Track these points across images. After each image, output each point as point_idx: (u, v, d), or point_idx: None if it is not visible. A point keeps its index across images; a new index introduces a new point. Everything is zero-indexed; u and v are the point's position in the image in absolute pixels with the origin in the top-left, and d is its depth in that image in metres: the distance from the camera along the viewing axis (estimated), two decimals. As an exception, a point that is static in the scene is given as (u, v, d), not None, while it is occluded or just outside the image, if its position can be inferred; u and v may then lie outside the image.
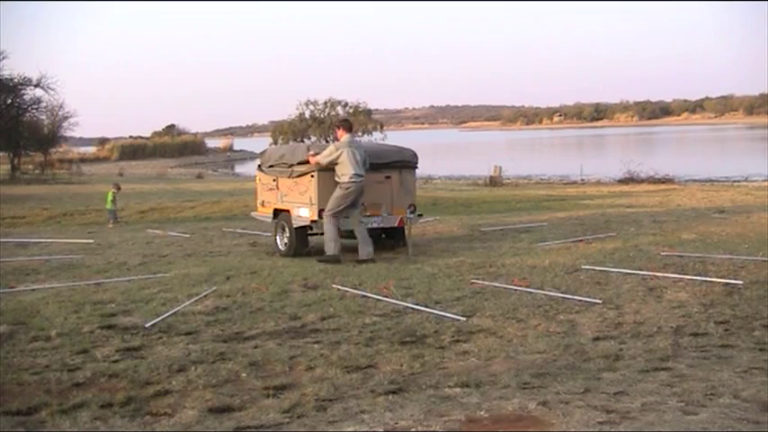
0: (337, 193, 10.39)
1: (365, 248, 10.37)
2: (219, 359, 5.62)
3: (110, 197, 17.27)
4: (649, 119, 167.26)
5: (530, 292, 7.67)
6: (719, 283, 7.83)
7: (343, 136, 10.70)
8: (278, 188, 11.56)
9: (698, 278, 8.06)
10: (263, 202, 12.12)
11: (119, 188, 17.95)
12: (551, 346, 5.81)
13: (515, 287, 7.90)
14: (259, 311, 7.16)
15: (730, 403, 4.28)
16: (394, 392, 4.76)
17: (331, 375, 5.20)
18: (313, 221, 10.73)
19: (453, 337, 6.16)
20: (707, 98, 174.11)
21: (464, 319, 6.68)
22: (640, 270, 8.59)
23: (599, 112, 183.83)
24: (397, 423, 4.08)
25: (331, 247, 10.30)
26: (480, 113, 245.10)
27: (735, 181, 30.34)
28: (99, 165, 60.03)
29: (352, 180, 10.33)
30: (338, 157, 10.35)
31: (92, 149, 75.64)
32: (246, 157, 75.54)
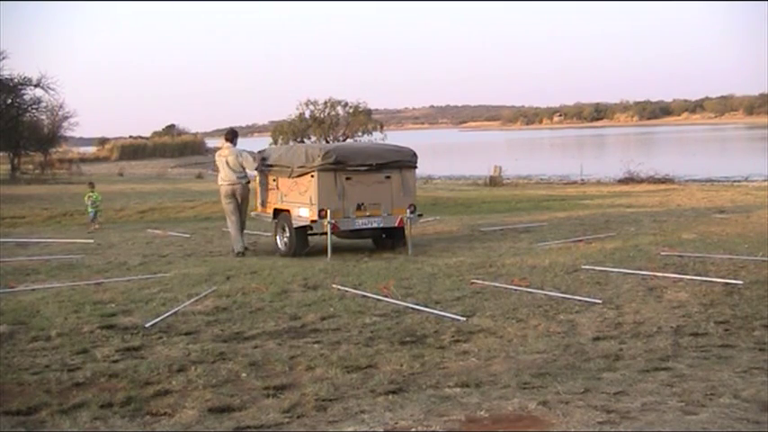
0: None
1: (236, 244, 11.60)
2: (219, 359, 5.62)
3: (85, 198, 16.66)
4: (649, 119, 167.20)
5: (530, 292, 7.66)
6: (719, 283, 7.83)
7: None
8: (278, 188, 11.57)
9: (698, 278, 8.06)
10: (263, 202, 12.13)
11: (92, 186, 16.89)
12: (551, 346, 5.81)
13: (515, 287, 7.90)
14: (259, 311, 7.16)
15: (730, 403, 4.28)
16: (394, 392, 4.76)
17: (331, 375, 5.20)
18: (313, 221, 10.74)
19: (453, 337, 6.16)
20: (707, 98, 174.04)
21: (464, 319, 6.68)
22: (640, 270, 8.58)
23: (599, 112, 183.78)
24: (397, 423, 4.08)
25: (236, 245, 11.58)
26: (480, 113, 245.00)
27: (735, 181, 30.32)
28: (99, 165, 59.97)
29: (220, 184, 11.87)
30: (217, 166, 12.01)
31: (92, 149, 75.55)
32: (246, 157, 75.40)
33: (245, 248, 11.65)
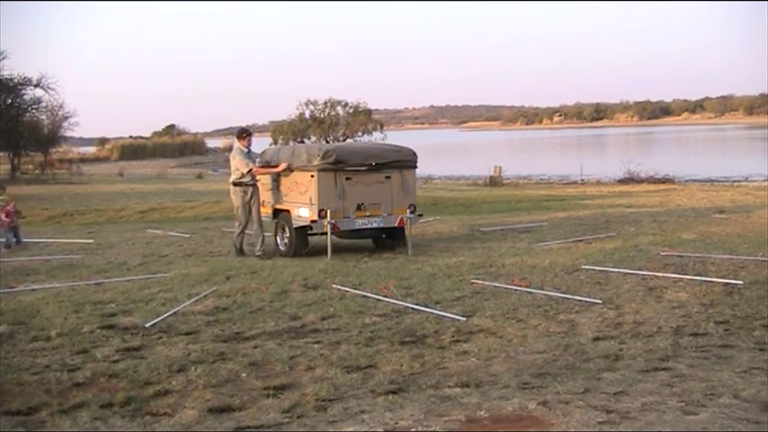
0: None
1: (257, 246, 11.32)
2: (219, 359, 5.62)
3: None
4: (649, 119, 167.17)
5: (530, 292, 7.66)
6: (719, 283, 7.83)
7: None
8: (278, 188, 11.56)
9: (698, 278, 8.06)
10: (263, 202, 12.12)
11: (3, 190, 14.34)
12: (551, 346, 5.81)
13: (515, 287, 7.90)
14: (259, 311, 7.16)
15: (730, 403, 4.28)
16: (394, 392, 4.76)
17: (331, 375, 5.20)
18: (313, 221, 10.73)
19: (453, 337, 6.16)
20: (707, 98, 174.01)
21: (464, 319, 6.68)
22: (640, 270, 8.58)
23: (599, 112, 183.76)
24: (397, 423, 4.08)
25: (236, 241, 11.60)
26: (480, 113, 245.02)
27: (735, 181, 30.32)
28: (99, 165, 59.94)
29: None
30: None
31: (92, 149, 75.50)
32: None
33: (242, 251, 11.34)
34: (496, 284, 8.07)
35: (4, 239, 12.91)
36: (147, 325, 6.66)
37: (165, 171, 50.81)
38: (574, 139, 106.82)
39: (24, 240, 13.45)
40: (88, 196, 25.79)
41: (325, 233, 10.83)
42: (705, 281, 7.93)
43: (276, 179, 11.61)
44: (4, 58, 38.38)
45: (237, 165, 11.27)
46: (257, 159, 11.81)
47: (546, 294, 7.56)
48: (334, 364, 5.44)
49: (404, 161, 11.33)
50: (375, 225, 11.13)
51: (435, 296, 7.63)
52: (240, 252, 11.44)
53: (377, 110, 60.28)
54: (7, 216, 13.01)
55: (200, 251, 11.96)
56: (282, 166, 11.26)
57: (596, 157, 54.58)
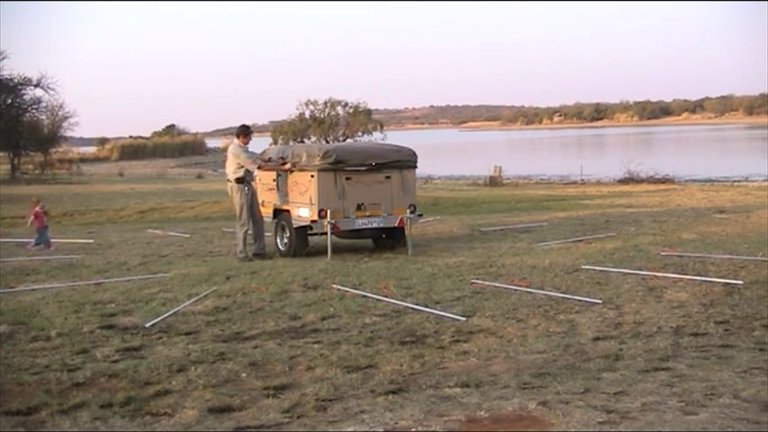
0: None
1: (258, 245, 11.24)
2: (219, 359, 5.62)
3: None
4: (649, 119, 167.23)
5: (530, 292, 7.66)
6: (719, 283, 7.82)
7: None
8: (278, 188, 11.56)
9: (698, 278, 8.05)
10: (263, 201, 12.11)
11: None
12: (551, 346, 5.81)
13: (515, 287, 7.89)
14: (259, 311, 7.16)
15: (730, 403, 4.28)
16: (394, 392, 4.76)
17: (331, 375, 5.19)
18: (313, 221, 10.74)
19: (453, 337, 6.16)
20: (707, 98, 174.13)
21: (464, 319, 6.68)
22: (640, 270, 8.58)
23: (599, 112, 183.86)
24: (397, 423, 4.08)
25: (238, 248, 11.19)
26: (480, 113, 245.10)
27: (735, 181, 30.35)
28: (99, 165, 59.98)
29: None
30: None
31: (92, 149, 75.52)
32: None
33: (246, 256, 10.87)
34: (496, 284, 8.07)
35: (34, 240, 13.13)
36: (147, 325, 6.65)
37: (165, 171, 50.85)
38: (574, 139, 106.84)
39: (24, 240, 13.44)
40: (88, 196, 25.82)
41: (325, 233, 10.84)
42: (705, 281, 7.93)
43: (276, 179, 11.62)
44: (4, 58, 38.44)
45: (242, 162, 11.08)
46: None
47: (546, 294, 7.55)
48: (334, 364, 5.44)
49: (404, 161, 11.34)
50: (375, 225, 11.13)
51: (435, 296, 7.63)
52: (260, 256, 10.99)
53: (377, 110, 60.26)
54: (36, 217, 13.28)
55: (200, 251, 11.96)
56: (289, 165, 11.19)
57: (596, 157, 54.67)
